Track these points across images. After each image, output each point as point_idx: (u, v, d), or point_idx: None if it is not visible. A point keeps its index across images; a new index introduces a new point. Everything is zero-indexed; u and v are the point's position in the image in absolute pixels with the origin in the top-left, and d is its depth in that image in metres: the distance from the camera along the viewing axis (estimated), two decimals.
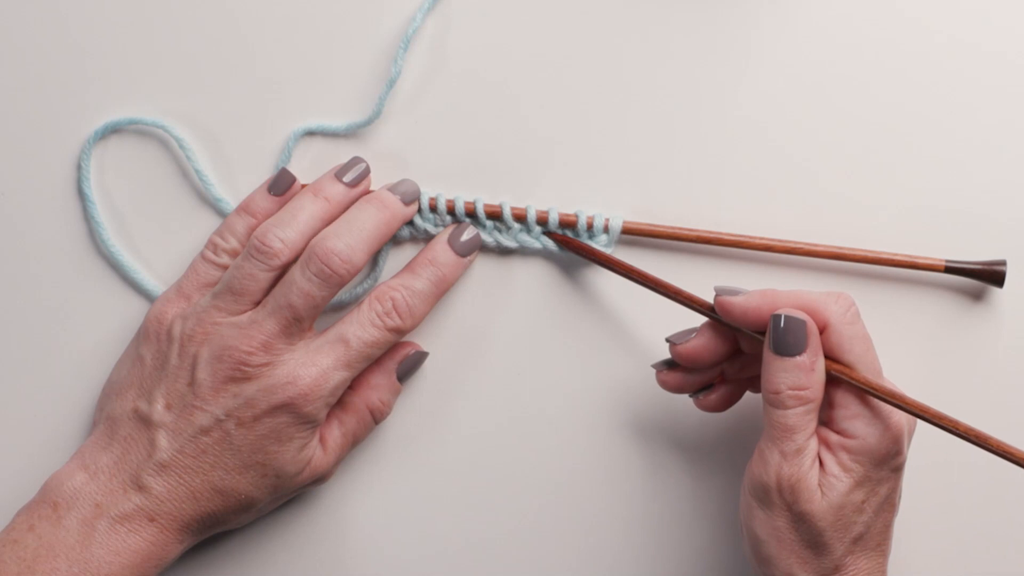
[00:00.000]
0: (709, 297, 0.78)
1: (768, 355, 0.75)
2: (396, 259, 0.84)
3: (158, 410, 0.77)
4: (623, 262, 0.82)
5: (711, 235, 0.83)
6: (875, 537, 0.76)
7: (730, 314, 0.76)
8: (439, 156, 0.84)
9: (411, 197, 0.82)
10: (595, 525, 0.85)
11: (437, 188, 0.84)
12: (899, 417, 0.75)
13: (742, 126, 0.84)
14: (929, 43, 0.84)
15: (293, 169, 0.84)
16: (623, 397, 0.84)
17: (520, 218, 0.83)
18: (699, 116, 0.84)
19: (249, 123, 0.84)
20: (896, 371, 0.81)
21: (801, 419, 0.74)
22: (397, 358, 0.83)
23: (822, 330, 0.75)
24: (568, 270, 0.85)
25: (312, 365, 0.77)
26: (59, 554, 0.75)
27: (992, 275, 0.83)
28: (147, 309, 0.83)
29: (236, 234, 0.82)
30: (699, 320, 0.79)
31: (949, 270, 0.83)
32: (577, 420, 0.84)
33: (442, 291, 0.80)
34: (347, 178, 0.82)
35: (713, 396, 0.80)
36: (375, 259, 0.84)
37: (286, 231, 0.79)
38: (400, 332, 0.79)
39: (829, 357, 0.75)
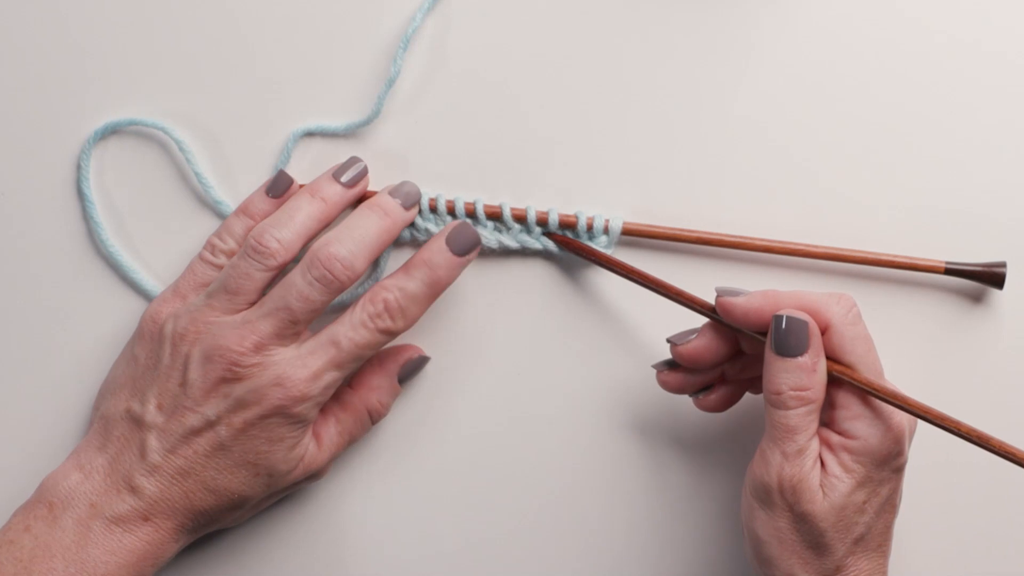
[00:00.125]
0: (709, 298, 0.78)
1: (770, 356, 0.75)
2: (397, 261, 0.84)
3: (150, 411, 0.77)
4: (623, 263, 0.82)
5: (711, 236, 0.83)
6: (876, 538, 0.76)
7: (731, 315, 0.76)
8: (439, 156, 0.84)
9: (412, 201, 0.81)
10: (595, 525, 0.85)
11: (437, 188, 0.84)
12: (900, 418, 0.75)
13: (742, 126, 0.84)
14: (929, 43, 0.84)
15: (293, 170, 0.84)
16: (623, 397, 0.84)
17: (520, 218, 0.83)
18: (699, 116, 0.84)
19: (249, 123, 0.84)
20: (896, 372, 0.81)
21: (803, 420, 0.74)
22: (400, 361, 0.83)
23: (824, 331, 0.75)
24: (568, 270, 0.85)
25: (303, 367, 0.77)
26: (55, 554, 0.75)
27: (992, 277, 0.83)
28: (145, 309, 0.83)
29: (234, 235, 0.82)
30: (700, 321, 0.79)
31: (949, 272, 0.83)
32: (577, 420, 0.84)
33: (436, 292, 0.79)
34: (344, 178, 0.82)
35: (713, 396, 0.80)
36: (376, 261, 0.83)
37: (283, 231, 0.79)
38: (392, 333, 0.79)
39: (831, 358, 0.75)
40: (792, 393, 0.74)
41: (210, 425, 0.77)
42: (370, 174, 0.83)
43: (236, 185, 0.84)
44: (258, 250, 0.78)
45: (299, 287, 0.77)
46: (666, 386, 0.80)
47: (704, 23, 0.84)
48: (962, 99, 0.84)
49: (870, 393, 0.74)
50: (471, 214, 0.83)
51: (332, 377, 0.78)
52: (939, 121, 0.84)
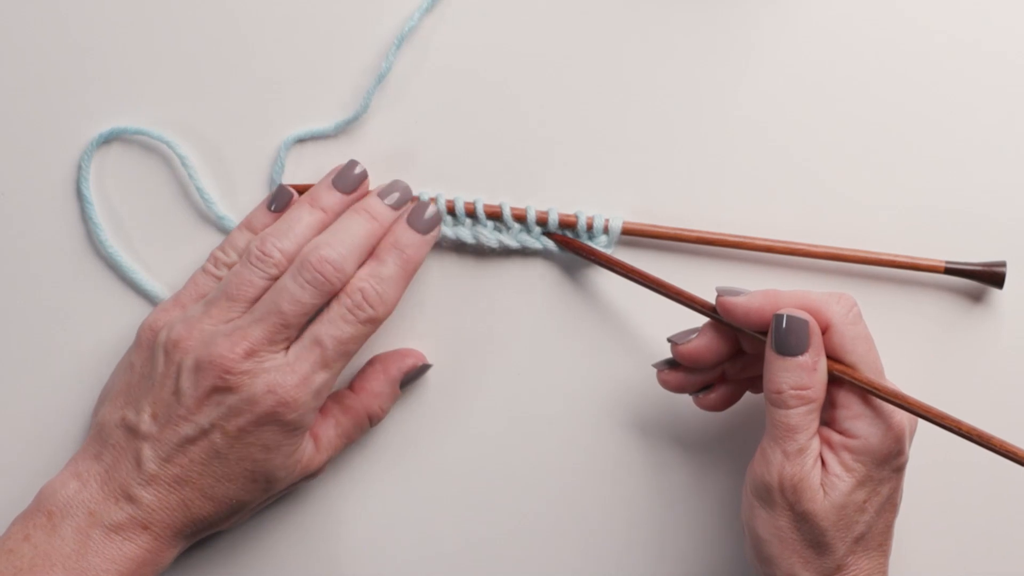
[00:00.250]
0: (709, 297, 0.78)
1: (770, 355, 0.75)
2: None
3: (145, 420, 0.77)
4: (623, 262, 0.82)
5: (711, 236, 0.83)
6: (877, 537, 0.76)
7: (732, 314, 0.76)
8: (439, 156, 0.84)
9: (402, 201, 0.81)
10: (596, 525, 0.85)
11: (437, 188, 0.84)
12: (901, 417, 0.75)
13: (742, 126, 0.84)
14: (929, 43, 0.84)
15: (295, 176, 0.84)
16: (623, 397, 0.84)
17: (520, 218, 0.83)
18: (699, 116, 0.84)
19: (249, 124, 0.84)
20: (896, 372, 0.81)
21: (803, 419, 0.74)
22: (404, 368, 0.83)
23: (824, 330, 0.75)
24: (568, 270, 0.85)
25: (292, 372, 0.77)
26: (55, 563, 0.75)
27: (992, 276, 0.83)
28: (146, 310, 0.83)
29: (237, 249, 0.82)
30: (700, 320, 0.79)
31: (949, 271, 0.83)
32: (578, 420, 0.84)
33: (410, 273, 0.79)
34: (343, 186, 0.82)
35: (713, 395, 0.80)
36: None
37: (283, 242, 0.79)
38: (374, 322, 0.78)
39: (831, 357, 0.75)
40: (792, 392, 0.74)
41: (204, 433, 0.76)
42: (373, 175, 0.83)
43: (235, 189, 0.84)
44: (261, 258, 0.78)
45: (291, 290, 0.77)
46: (667, 385, 0.80)
47: (704, 23, 0.84)
48: (962, 99, 0.84)
49: (871, 392, 0.74)
50: (471, 214, 0.83)
51: (322, 379, 0.77)
52: (939, 121, 0.84)
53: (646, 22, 0.84)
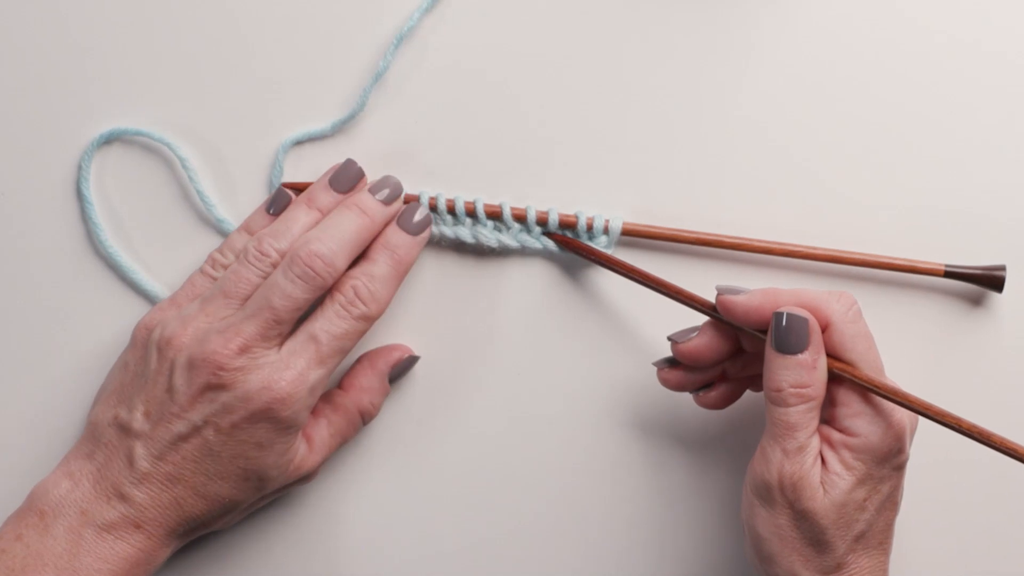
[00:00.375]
0: (709, 297, 0.78)
1: (770, 353, 0.75)
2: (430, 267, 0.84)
3: (137, 418, 0.77)
4: (624, 262, 0.82)
5: (711, 237, 0.83)
6: (877, 535, 0.76)
7: (732, 313, 0.76)
8: (439, 156, 0.84)
9: (393, 196, 0.81)
10: (596, 525, 0.85)
11: (437, 188, 0.84)
12: (901, 415, 0.75)
13: (742, 126, 0.84)
14: (929, 43, 0.84)
15: (296, 177, 0.84)
16: (624, 396, 0.84)
17: (520, 218, 0.83)
18: (699, 116, 0.84)
19: (249, 124, 0.84)
20: (896, 375, 0.81)
21: (803, 417, 0.74)
22: (391, 362, 0.83)
23: (824, 328, 0.75)
24: (568, 270, 0.85)
25: (286, 368, 0.77)
26: (48, 563, 0.75)
27: (991, 280, 0.83)
28: (146, 311, 0.83)
29: (235, 251, 0.82)
30: (700, 319, 0.79)
31: (949, 275, 0.83)
32: (578, 420, 0.84)
33: (401, 273, 0.80)
34: (340, 186, 0.82)
35: (714, 394, 0.80)
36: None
37: (280, 241, 0.79)
38: (368, 319, 0.78)
39: (831, 355, 0.75)
40: (792, 390, 0.74)
41: (197, 430, 0.76)
42: (372, 174, 0.83)
43: (234, 191, 0.84)
44: (257, 257, 0.78)
45: (281, 286, 0.77)
46: (667, 384, 0.80)
47: (704, 23, 0.85)
48: (962, 99, 0.84)
49: (871, 390, 0.74)
50: (471, 214, 0.83)
51: (317, 376, 0.77)
52: (939, 121, 0.84)
53: (646, 22, 0.85)
